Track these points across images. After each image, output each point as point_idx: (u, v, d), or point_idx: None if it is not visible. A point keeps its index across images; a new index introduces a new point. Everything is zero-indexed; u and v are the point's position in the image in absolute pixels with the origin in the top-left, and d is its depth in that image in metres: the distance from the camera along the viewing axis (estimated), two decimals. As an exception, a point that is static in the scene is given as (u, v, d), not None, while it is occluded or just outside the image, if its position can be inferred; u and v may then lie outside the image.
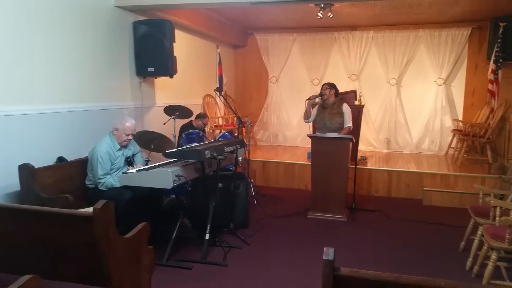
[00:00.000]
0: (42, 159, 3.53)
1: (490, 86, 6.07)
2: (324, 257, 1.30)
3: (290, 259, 3.52)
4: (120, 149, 3.72)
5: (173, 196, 4.71)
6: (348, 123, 4.83)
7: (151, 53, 4.78)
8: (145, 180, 3.01)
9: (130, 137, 3.67)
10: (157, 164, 3.42)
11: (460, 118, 7.03)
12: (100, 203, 2.08)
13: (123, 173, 3.19)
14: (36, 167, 3.25)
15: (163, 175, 2.96)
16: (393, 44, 7.24)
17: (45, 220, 2.20)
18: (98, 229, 2.08)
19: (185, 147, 3.79)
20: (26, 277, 1.36)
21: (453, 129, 6.75)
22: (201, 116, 5.22)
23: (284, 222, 4.52)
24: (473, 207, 3.49)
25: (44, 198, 3.20)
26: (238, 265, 3.39)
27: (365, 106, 6.09)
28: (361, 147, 6.75)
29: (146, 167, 3.29)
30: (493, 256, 2.73)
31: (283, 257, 3.55)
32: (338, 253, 3.52)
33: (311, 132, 6.28)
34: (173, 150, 3.23)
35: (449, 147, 6.75)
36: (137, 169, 3.19)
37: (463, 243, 3.64)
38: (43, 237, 2.20)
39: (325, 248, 1.32)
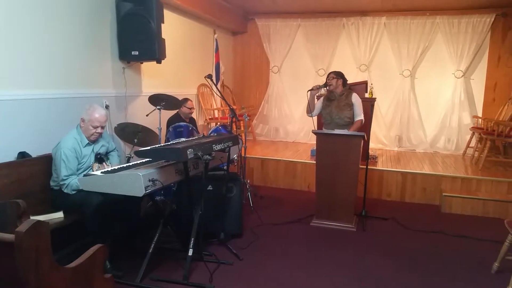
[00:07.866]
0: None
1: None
2: None
3: (290, 278, 2.93)
4: (89, 144, 3.13)
5: (159, 198, 4.16)
6: (359, 116, 4.23)
7: (136, 35, 4.20)
8: (110, 185, 2.40)
9: (99, 129, 3.07)
10: (130, 164, 2.81)
11: (480, 115, 6.40)
12: (27, 224, 1.50)
13: (84, 175, 2.58)
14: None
15: (133, 180, 2.36)
16: (407, 32, 6.59)
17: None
18: (23, 260, 1.50)
19: (163, 144, 3.19)
20: None
21: (472, 127, 6.12)
22: (182, 102, 4.59)
23: (283, 230, 3.93)
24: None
25: (-10, 204, 2.62)
26: (227, 286, 2.82)
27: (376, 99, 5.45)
28: (370, 144, 6.15)
29: (115, 168, 2.68)
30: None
31: (281, 277, 2.96)
32: (349, 273, 2.84)
33: (315, 127, 5.68)
34: (147, 148, 2.61)
35: (467, 146, 6.12)
36: (102, 170, 2.58)
37: (496, 264, 3.03)
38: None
39: None
